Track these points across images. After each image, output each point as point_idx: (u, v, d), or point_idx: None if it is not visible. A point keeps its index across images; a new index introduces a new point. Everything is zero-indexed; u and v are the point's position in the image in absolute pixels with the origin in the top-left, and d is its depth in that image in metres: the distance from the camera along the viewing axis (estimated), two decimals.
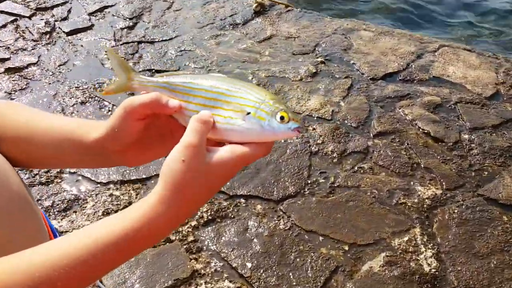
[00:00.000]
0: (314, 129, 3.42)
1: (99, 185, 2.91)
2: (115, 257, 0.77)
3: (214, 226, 2.68)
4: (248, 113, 0.86)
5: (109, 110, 3.53)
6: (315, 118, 3.55)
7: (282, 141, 3.25)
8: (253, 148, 0.84)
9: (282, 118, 0.86)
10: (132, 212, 0.79)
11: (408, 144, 3.34)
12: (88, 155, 0.97)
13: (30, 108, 1.04)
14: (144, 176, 2.98)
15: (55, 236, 1.07)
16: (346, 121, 3.53)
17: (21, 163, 0.99)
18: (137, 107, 0.89)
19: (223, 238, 2.63)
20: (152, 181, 2.95)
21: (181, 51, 4.35)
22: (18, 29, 4.43)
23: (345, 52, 4.36)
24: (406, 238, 2.68)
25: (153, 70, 4.04)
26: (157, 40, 4.46)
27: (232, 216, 2.75)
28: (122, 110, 0.91)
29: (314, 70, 4.09)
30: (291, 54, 4.35)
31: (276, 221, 2.74)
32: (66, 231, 2.58)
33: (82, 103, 3.61)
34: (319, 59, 4.24)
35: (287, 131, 0.86)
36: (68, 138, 0.96)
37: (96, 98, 3.66)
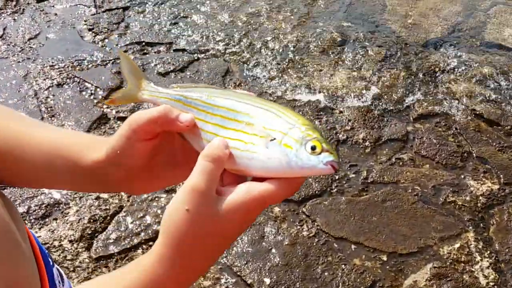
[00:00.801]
0: (341, 112, 3.39)
1: None
2: None
3: None
4: (273, 139, 0.84)
5: (91, 94, 3.51)
6: (342, 98, 3.51)
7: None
8: (275, 186, 0.81)
9: (313, 148, 0.83)
10: (127, 279, 0.80)
11: (456, 128, 3.30)
12: (85, 179, 0.96)
13: (20, 115, 1.03)
14: None
15: (46, 263, 1.06)
16: (380, 102, 3.49)
17: (4, 179, 0.99)
18: (145, 123, 0.88)
19: (234, 248, 2.62)
20: None
21: (175, 18, 4.30)
22: None
23: (378, 14, 4.30)
24: (457, 245, 2.66)
25: (143, 43, 4.01)
26: (146, 5, 4.42)
27: None
28: (127, 127, 0.89)
29: (338, 38, 4.04)
30: (311, 18, 4.29)
31: (299, 227, 2.73)
32: (45, 243, 2.59)
33: (59, 85, 3.59)
34: (345, 24, 4.17)
35: (317, 166, 0.82)
36: (62, 156, 0.96)
37: (76, 78, 3.64)
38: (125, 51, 3.92)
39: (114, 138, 0.91)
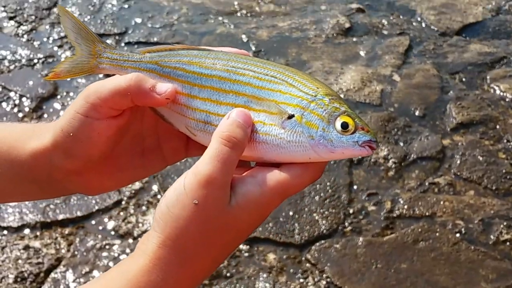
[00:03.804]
0: None
1: (5, 232, 2.88)
2: None
3: None
4: (291, 117, 0.87)
5: (15, 105, 3.48)
6: (355, 103, 3.53)
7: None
8: (294, 173, 0.85)
9: (344, 125, 0.86)
10: (117, 283, 0.81)
11: (508, 141, 3.33)
12: (23, 178, 0.97)
13: None
14: (79, 214, 2.95)
15: None
16: (404, 107, 3.52)
17: None
18: (109, 96, 0.89)
19: None
20: (93, 221, 2.92)
21: (127, 0, 4.31)
22: None
23: None
24: None
25: None
26: None
27: (228, 274, 2.73)
28: (83, 101, 0.90)
29: (347, 24, 4.08)
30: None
31: (302, 280, 2.71)
32: None
33: None
34: (355, 5, 4.22)
35: (352, 147, 0.86)
36: None
37: None
38: (60, 46, 3.91)
39: (64, 117, 0.91)
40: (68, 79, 1.09)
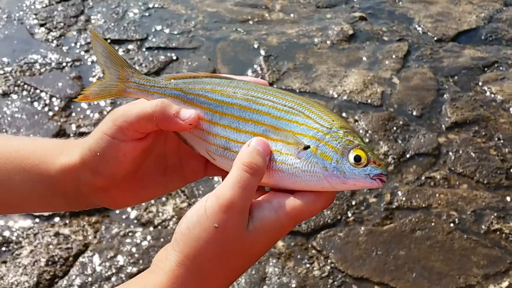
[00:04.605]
0: (356, 121, 3.40)
1: (38, 220, 2.90)
2: None
3: None
4: (306, 147, 0.86)
5: (45, 104, 3.50)
6: (357, 104, 3.54)
7: None
8: (307, 200, 0.84)
9: (357, 158, 0.85)
10: None
11: (499, 138, 3.32)
12: (52, 192, 0.96)
13: None
14: None
15: None
16: (403, 108, 3.52)
17: None
18: (135, 120, 0.88)
19: None
20: (117, 211, 2.93)
21: (148, 9, 4.32)
22: None
23: (395, 2, 4.35)
24: (505, 284, 2.66)
25: (108, 40, 4.01)
26: None
27: None
28: (111, 123, 0.89)
29: (350, 31, 4.07)
30: (314, 8, 4.32)
31: (308, 265, 2.72)
32: None
33: (5, 94, 3.59)
34: (358, 14, 4.21)
35: (363, 179, 0.85)
36: (22, 168, 0.95)
37: (26, 86, 3.63)
38: (86, 51, 3.92)
39: (92, 137, 0.91)
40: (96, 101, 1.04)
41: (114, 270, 2.66)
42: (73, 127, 3.34)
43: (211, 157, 0.93)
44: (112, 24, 4.17)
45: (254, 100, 0.90)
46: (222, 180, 0.87)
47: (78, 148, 0.92)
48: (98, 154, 0.89)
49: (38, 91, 3.62)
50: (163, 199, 2.95)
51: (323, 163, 0.85)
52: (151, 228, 2.81)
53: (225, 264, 0.82)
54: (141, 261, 2.66)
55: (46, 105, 3.53)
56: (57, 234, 2.83)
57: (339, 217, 2.93)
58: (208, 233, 0.80)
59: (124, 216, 2.90)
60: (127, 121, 0.88)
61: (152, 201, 2.94)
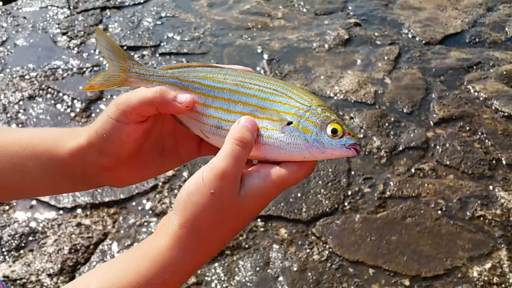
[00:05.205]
0: (351, 118, 3.42)
1: (61, 212, 2.93)
2: None
3: (223, 262, 2.69)
4: (289, 123, 0.90)
5: (67, 106, 3.54)
6: (352, 102, 3.55)
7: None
8: (291, 169, 0.89)
9: (334, 131, 0.90)
10: (141, 264, 0.84)
11: (482, 133, 3.33)
12: (61, 175, 0.99)
13: None
14: (122, 196, 2.99)
15: None
16: (395, 105, 3.53)
17: None
18: (136, 105, 0.91)
19: (236, 277, 2.63)
20: (134, 203, 2.96)
21: (160, 18, 4.33)
22: None
23: (387, 9, 4.34)
24: (488, 265, 2.67)
25: (125, 47, 4.04)
26: (126, 3, 4.45)
27: (247, 245, 2.76)
28: (115, 108, 0.92)
29: (346, 36, 4.08)
30: (313, 15, 4.33)
31: (308, 250, 2.74)
32: (21, 279, 2.60)
33: (31, 97, 3.61)
34: (352, 20, 4.22)
35: (340, 149, 0.90)
36: (34, 154, 0.98)
37: (49, 89, 3.66)
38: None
39: (98, 121, 0.94)
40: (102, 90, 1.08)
41: None
42: None
43: (205, 136, 0.96)
44: (128, 32, 4.18)
45: (242, 84, 0.94)
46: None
47: (85, 132, 0.96)
48: (104, 136, 0.93)
49: (61, 94, 3.65)
50: (175, 191, 2.97)
51: (304, 136, 0.89)
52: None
53: (221, 225, 0.86)
54: None
55: (68, 106, 3.56)
56: (79, 225, 2.86)
57: (336, 206, 2.95)
58: (206, 198, 0.83)
59: (140, 208, 2.93)
60: (129, 105, 0.91)
61: (166, 193, 2.97)
